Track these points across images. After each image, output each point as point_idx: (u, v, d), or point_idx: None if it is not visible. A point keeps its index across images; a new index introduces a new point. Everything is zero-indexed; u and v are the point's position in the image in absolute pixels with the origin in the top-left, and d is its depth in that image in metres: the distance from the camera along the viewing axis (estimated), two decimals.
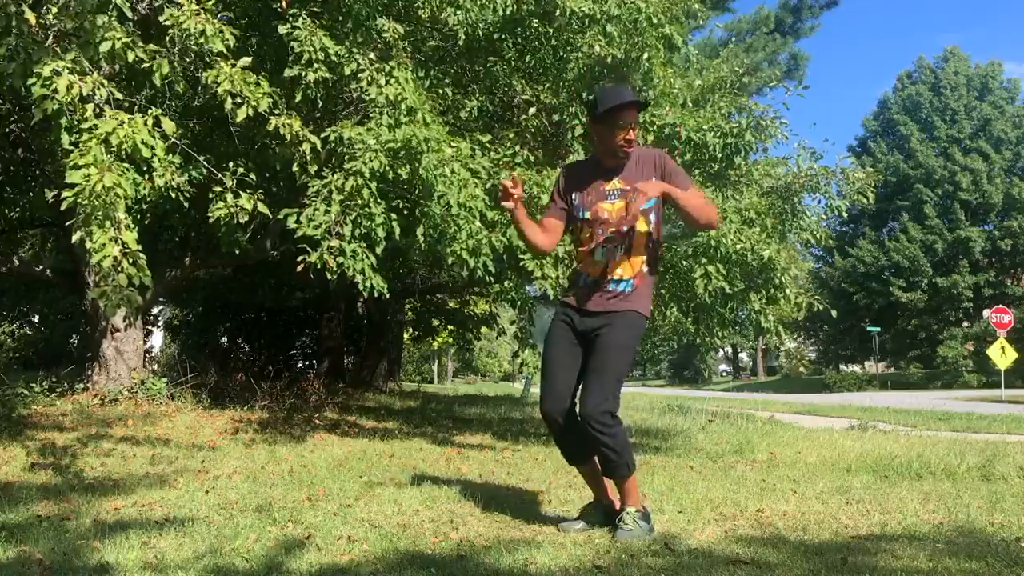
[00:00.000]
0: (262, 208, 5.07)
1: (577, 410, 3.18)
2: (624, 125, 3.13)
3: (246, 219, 5.11)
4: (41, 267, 8.94)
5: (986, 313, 29.65)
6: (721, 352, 61.49)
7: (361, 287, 5.29)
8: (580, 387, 3.19)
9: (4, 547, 2.72)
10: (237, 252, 7.85)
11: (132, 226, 4.20)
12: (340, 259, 5.17)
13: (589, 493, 4.19)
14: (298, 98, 5.43)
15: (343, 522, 3.28)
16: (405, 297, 14.72)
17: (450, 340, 21.16)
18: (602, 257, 3.19)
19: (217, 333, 16.18)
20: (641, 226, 3.18)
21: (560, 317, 3.28)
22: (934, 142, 38.68)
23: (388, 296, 5.59)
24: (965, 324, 36.95)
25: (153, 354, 13.69)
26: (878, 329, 37.07)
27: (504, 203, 3.14)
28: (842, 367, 44.59)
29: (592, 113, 3.22)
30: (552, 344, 3.26)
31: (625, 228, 3.16)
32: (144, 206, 5.94)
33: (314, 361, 15.51)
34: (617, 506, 3.29)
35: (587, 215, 3.21)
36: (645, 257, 3.21)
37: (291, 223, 5.27)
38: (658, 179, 3.19)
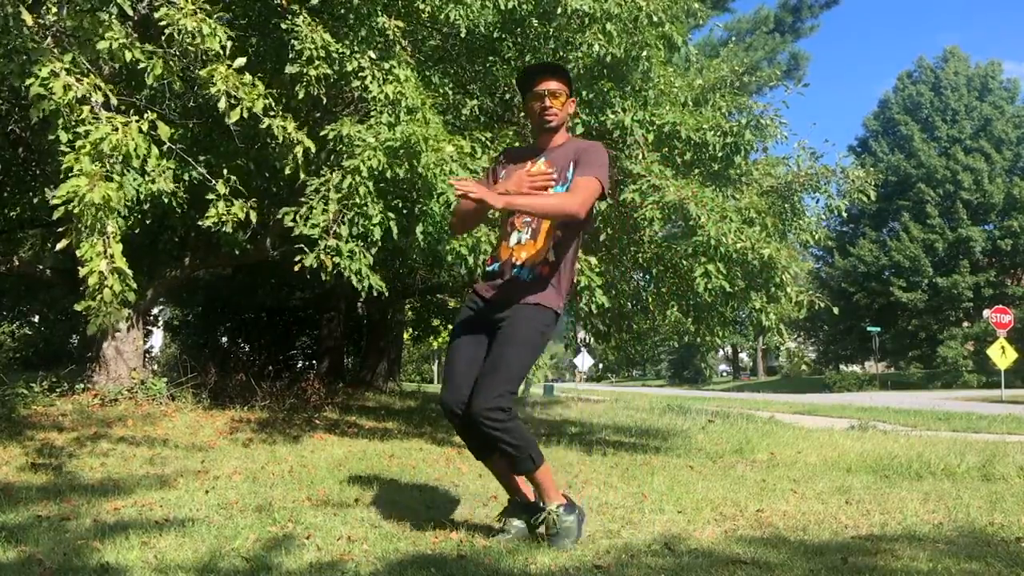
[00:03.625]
0: (254, 216, 5.07)
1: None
2: (539, 93, 3.04)
3: (236, 227, 5.11)
4: (41, 267, 8.93)
5: (986, 313, 29.64)
6: (721, 352, 61.50)
7: (358, 287, 5.28)
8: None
9: (4, 547, 2.72)
10: (237, 252, 7.85)
11: (119, 236, 4.19)
12: (336, 259, 5.16)
13: (588, 493, 4.20)
14: (300, 95, 5.43)
15: (343, 522, 3.27)
16: (405, 297, 14.71)
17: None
18: (513, 241, 3.07)
19: (217, 333, 16.17)
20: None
21: (467, 304, 3.14)
22: (935, 142, 38.69)
23: (386, 295, 5.58)
24: (965, 324, 36.94)
25: (153, 354, 13.70)
26: (878, 329, 37.08)
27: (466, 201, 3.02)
28: (842, 367, 44.60)
29: (520, 91, 3.15)
30: (457, 334, 3.11)
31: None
32: (145, 207, 5.94)
33: (314, 361, 15.51)
34: (530, 499, 3.15)
35: None
36: (551, 245, 3.02)
37: (287, 221, 5.26)
38: (572, 165, 3.02)
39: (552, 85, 3.05)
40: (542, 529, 3.01)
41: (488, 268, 3.15)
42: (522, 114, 6.67)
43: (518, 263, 3.02)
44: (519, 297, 2.99)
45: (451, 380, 3.02)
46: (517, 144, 6.18)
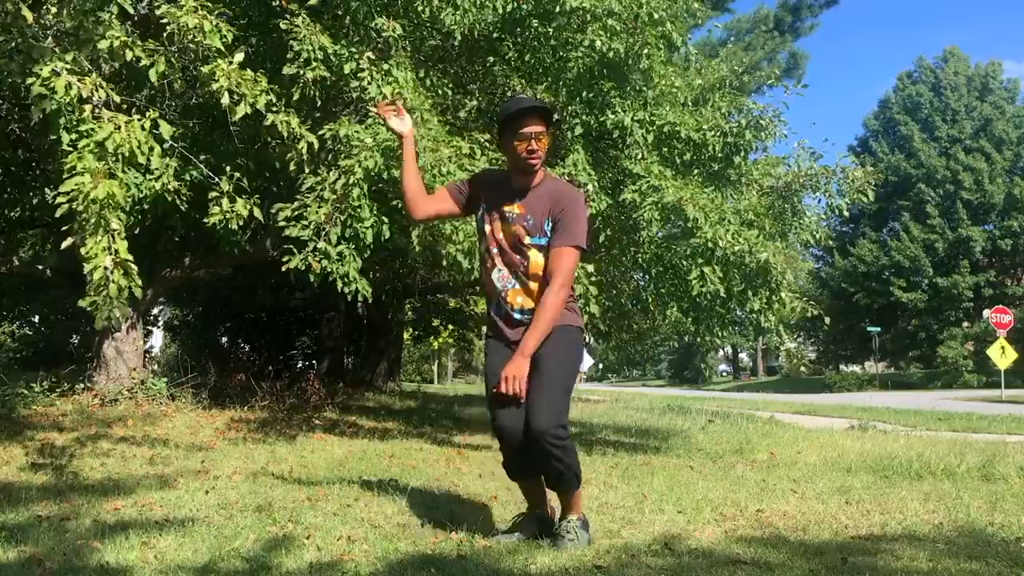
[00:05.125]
0: (258, 214, 5.06)
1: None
2: (526, 136, 2.93)
3: (241, 224, 5.10)
4: (41, 267, 8.92)
5: (986, 313, 29.66)
6: (721, 352, 61.51)
7: (345, 291, 5.26)
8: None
9: (4, 547, 2.72)
10: (237, 252, 7.85)
11: (124, 234, 4.19)
12: (324, 262, 5.14)
13: (588, 493, 4.20)
14: (296, 96, 5.43)
15: (343, 522, 3.27)
16: (405, 297, 14.71)
17: (450, 340, 21.17)
18: (498, 283, 3.04)
19: (217, 333, 16.18)
20: (536, 259, 2.99)
21: (493, 337, 3.12)
22: (935, 142, 38.69)
23: (371, 300, 5.57)
24: (965, 324, 36.94)
25: (153, 354, 13.69)
26: (878, 329, 37.07)
27: (390, 122, 3.04)
28: (842, 367, 44.59)
29: (499, 129, 3.07)
30: (494, 358, 3.06)
31: (517, 257, 3.01)
32: (145, 206, 5.94)
33: (314, 361, 15.51)
34: (552, 515, 3.19)
35: (486, 228, 3.07)
36: (537, 288, 3.00)
37: (281, 218, 5.24)
38: (550, 220, 2.97)
39: (538, 128, 2.96)
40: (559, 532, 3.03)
41: (493, 313, 3.09)
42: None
43: (519, 307, 3.02)
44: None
45: (506, 405, 2.96)
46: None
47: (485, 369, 3.19)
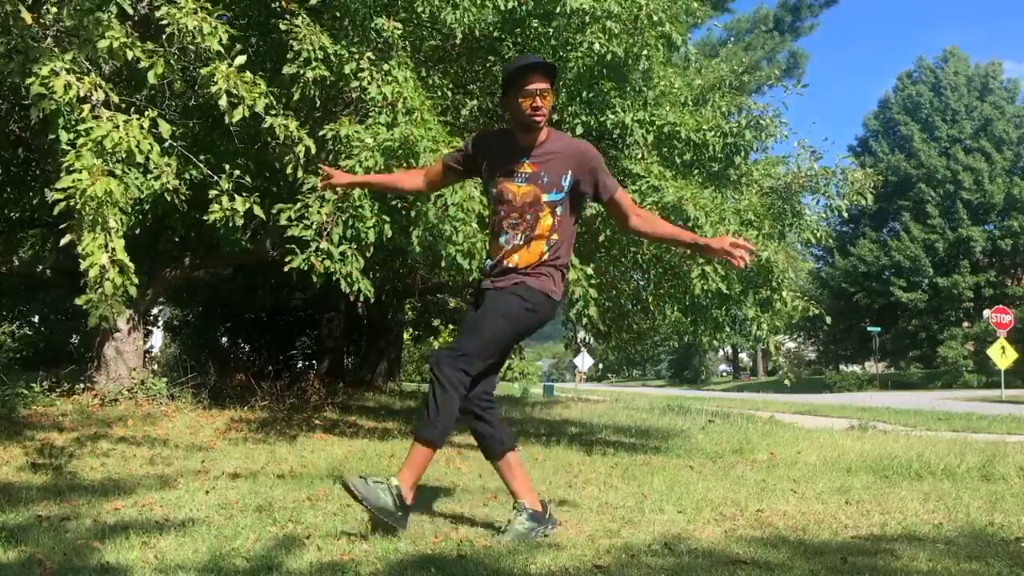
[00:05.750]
0: (258, 211, 5.06)
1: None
2: (531, 92, 2.95)
3: (241, 222, 5.10)
4: (41, 267, 8.93)
5: (986, 313, 29.66)
6: (721, 352, 61.51)
7: (348, 291, 5.26)
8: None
9: (4, 547, 2.72)
10: (237, 252, 7.85)
11: (121, 231, 4.19)
12: (327, 262, 5.14)
13: (588, 493, 4.20)
14: (296, 96, 5.43)
15: (343, 522, 3.27)
16: (405, 297, 14.72)
17: (450, 340, 21.17)
18: (505, 243, 3.05)
19: (217, 333, 16.18)
20: (546, 218, 3.02)
21: (470, 301, 3.20)
22: (935, 142, 38.69)
23: (373, 300, 5.58)
24: (965, 324, 36.95)
25: (153, 354, 13.68)
26: (878, 329, 37.07)
27: (327, 190, 3.16)
28: (842, 367, 44.58)
29: (502, 87, 3.09)
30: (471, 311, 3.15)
31: (528, 216, 3.02)
32: (145, 206, 5.94)
33: (314, 361, 15.52)
34: (545, 506, 3.16)
35: (494, 190, 3.08)
36: (546, 251, 3.03)
37: (283, 219, 5.25)
38: (583, 179, 3.05)
39: (543, 84, 2.98)
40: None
41: (487, 268, 3.15)
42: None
43: (511, 265, 3.04)
44: (512, 282, 3.03)
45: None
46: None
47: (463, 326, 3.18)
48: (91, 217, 4.01)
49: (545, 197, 3.01)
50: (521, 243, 3.03)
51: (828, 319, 7.00)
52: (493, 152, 3.11)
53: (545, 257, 3.04)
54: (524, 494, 3.14)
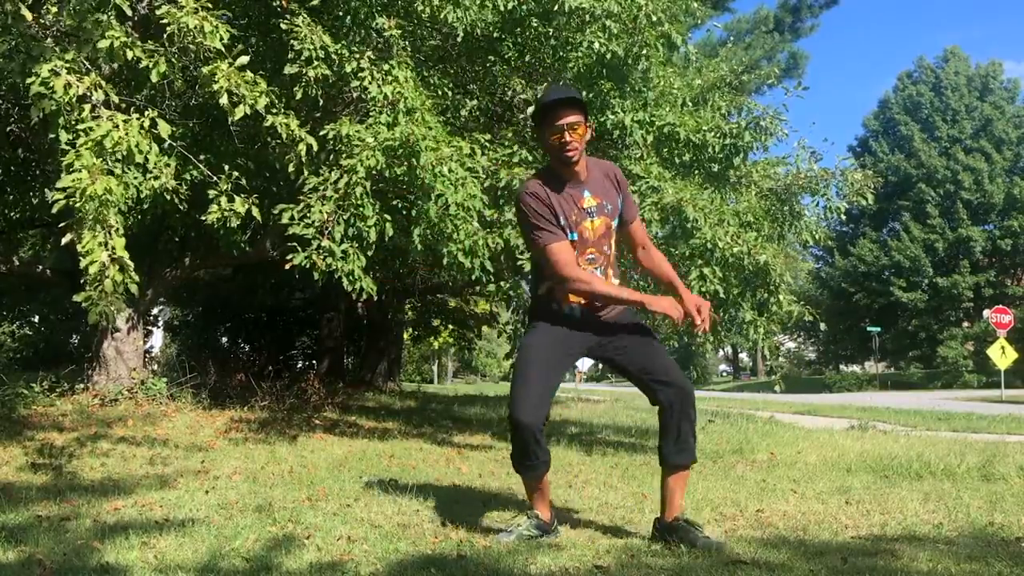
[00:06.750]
0: (256, 213, 5.06)
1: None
2: (559, 128, 2.93)
3: (239, 223, 5.10)
4: (41, 267, 8.93)
5: (986, 313, 29.63)
6: (721, 352, 61.49)
7: (350, 289, 5.26)
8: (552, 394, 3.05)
9: (4, 547, 2.72)
10: (237, 252, 7.85)
11: (121, 230, 4.20)
12: (329, 260, 5.14)
13: (588, 493, 4.20)
14: (298, 95, 5.43)
15: (343, 522, 3.27)
16: (405, 297, 14.72)
17: (450, 340, 21.16)
18: None
19: (217, 333, 16.19)
20: (612, 245, 3.12)
21: (550, 329, 3.07)
22: (935, 142, 38.68)
23: (375, 298, 5.57)
24: (965, 324, 36.93)
25: (153, 354, 13.68)
26: (878, 329, 37.04)
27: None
28: (842, 367, 44.57)
29: (533, 119, 3.10)
30: (542, 352, 3.01)
31: (605, 248, 3.06)
32: (145, 206, 5.94)
33: (314, 361, 15.52)
34: (552, 518, 3.18)
35: (575, 236, 3.01)
36: (614, 276, 3.14)
37: (285, 218, 5.25)
38: (624, 198, 3.16)
39: (571, 118, 2.94)
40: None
41: (568, 312, 3.07)
42: (522, 115, 6.66)
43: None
44: (626, 318, 3.17)
45: (529, 398, 2.93)
46: (521, 147, 6.18)
47: (522, 351, 3.09)
48: (91, 216, 4.01)
49: (612, 224, 3.11)
50: (603, 276, 3.09)
51: (823, 325, 7.02)
52: (558, 198, 3.02)
53: (616, 281, 3.17)
54: (539, 505, 3.18)
